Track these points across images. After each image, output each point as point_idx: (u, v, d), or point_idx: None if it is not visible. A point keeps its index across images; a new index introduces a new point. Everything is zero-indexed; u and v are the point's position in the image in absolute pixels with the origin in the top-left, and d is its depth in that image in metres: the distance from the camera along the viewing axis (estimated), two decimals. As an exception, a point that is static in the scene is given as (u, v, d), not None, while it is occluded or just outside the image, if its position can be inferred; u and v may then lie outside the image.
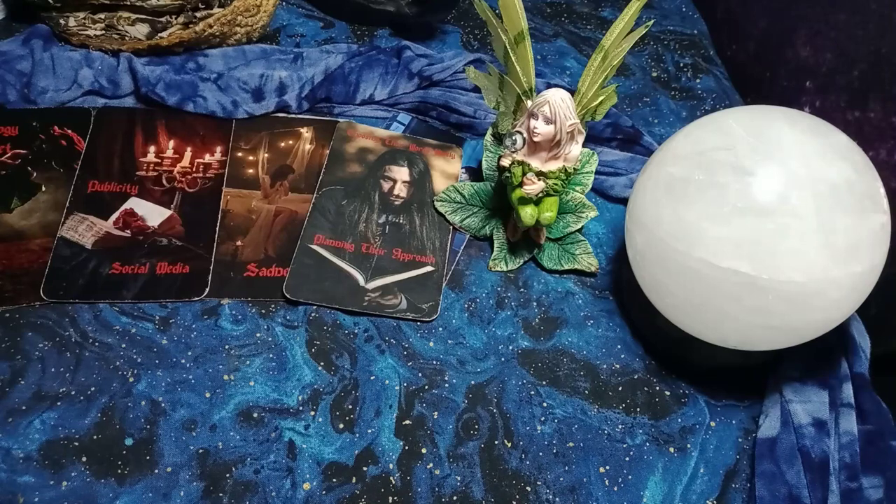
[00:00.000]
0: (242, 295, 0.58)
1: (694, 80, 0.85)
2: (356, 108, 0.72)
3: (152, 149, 0.66)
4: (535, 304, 0.62)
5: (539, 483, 0.52)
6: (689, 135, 0.55)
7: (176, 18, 0.70)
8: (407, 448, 0.53)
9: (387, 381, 0.56)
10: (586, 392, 0.57)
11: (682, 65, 0.86)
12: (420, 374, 0.56)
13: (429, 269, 0.62)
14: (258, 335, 0.56)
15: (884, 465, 0.54)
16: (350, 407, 0.54)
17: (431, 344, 0.58)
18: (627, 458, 0.54)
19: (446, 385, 0.56)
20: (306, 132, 0.70)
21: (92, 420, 0.50)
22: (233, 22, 0.71)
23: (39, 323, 0.54)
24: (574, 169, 0.59)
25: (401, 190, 0.67)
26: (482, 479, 0.52)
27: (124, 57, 0.69)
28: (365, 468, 0.51)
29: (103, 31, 0.69)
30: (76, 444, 0.49)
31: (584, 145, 0.60)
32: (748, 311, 0.50)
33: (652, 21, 0.65)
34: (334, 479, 0.51)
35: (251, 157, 0.67)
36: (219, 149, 0.67)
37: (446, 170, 0.69)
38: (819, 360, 0.59)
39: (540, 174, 0.58)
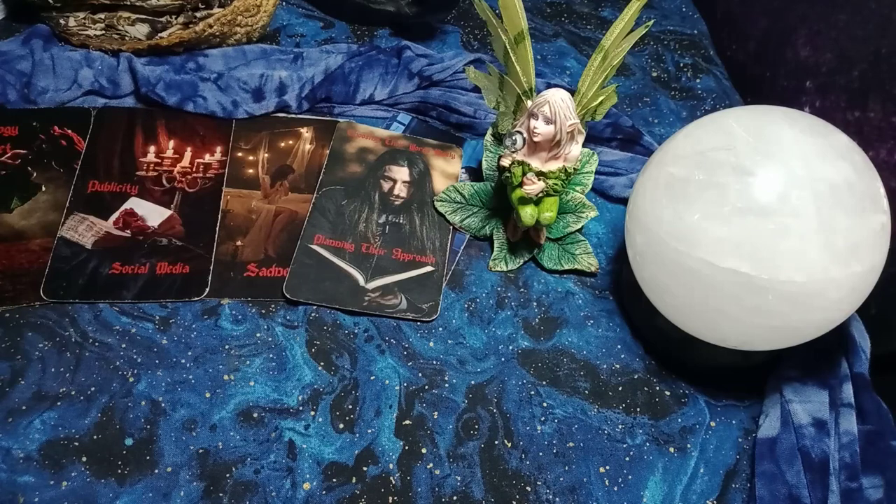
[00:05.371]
0: (242, 295, 0.58)
1: (694, 80, 0.85)
2: (356, 108, 0.72)
3: (152, 149, 0.66)
4: (535, 304, 0.62)
5: (539, 483, 0.52)
6: (689, 135, 0.55)
7: (176, 18, 0.70)
8: (407, 448, 0.53)
9: (387, 381, 0.56)
10: (586, 392, 0.57)
11: (682, 65, 0.86)
12: (420, 374, 0.56)
13: (429, 269, 0.62)
14: (258, 335, 0.56)
15: (884, 465, 0.54)
16: (350, 407, 0.54)
17: (431, 344, 0.58)
18: (627, 458, 0.54)
19: (446, 385, 0.56)
20: (306, 132, 0.70)
21: (92, 420, 0.50)
22: (233, 22, 0.71)
23: (39, 323, 0.54)
24: (574, 169, 0.59)
25: (401, 190, 0.67)
26: (482, 479, 0.52)
27: (124, 57, 0.69)
28: (365, 468, 0.51)
29: (103, 31, 0.69)
30: (76, 444, 0.49)
31: (584, 145, 0.60)
32: (748, 311, 0.50)
33: (652, 21, 0.65)
34: (334, 479, 0.51)
35: (251, 157, 0.67)
36: (219, 149, 0.67)
37: (446, 170, 0.69)
38: (819, 360, 0.59)
39: (540, 174, 0.58)
